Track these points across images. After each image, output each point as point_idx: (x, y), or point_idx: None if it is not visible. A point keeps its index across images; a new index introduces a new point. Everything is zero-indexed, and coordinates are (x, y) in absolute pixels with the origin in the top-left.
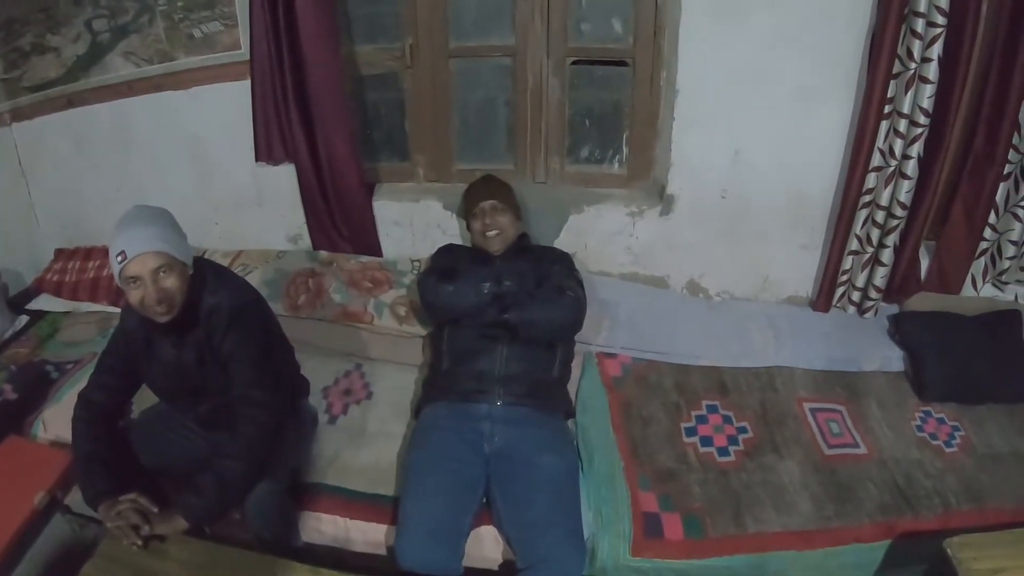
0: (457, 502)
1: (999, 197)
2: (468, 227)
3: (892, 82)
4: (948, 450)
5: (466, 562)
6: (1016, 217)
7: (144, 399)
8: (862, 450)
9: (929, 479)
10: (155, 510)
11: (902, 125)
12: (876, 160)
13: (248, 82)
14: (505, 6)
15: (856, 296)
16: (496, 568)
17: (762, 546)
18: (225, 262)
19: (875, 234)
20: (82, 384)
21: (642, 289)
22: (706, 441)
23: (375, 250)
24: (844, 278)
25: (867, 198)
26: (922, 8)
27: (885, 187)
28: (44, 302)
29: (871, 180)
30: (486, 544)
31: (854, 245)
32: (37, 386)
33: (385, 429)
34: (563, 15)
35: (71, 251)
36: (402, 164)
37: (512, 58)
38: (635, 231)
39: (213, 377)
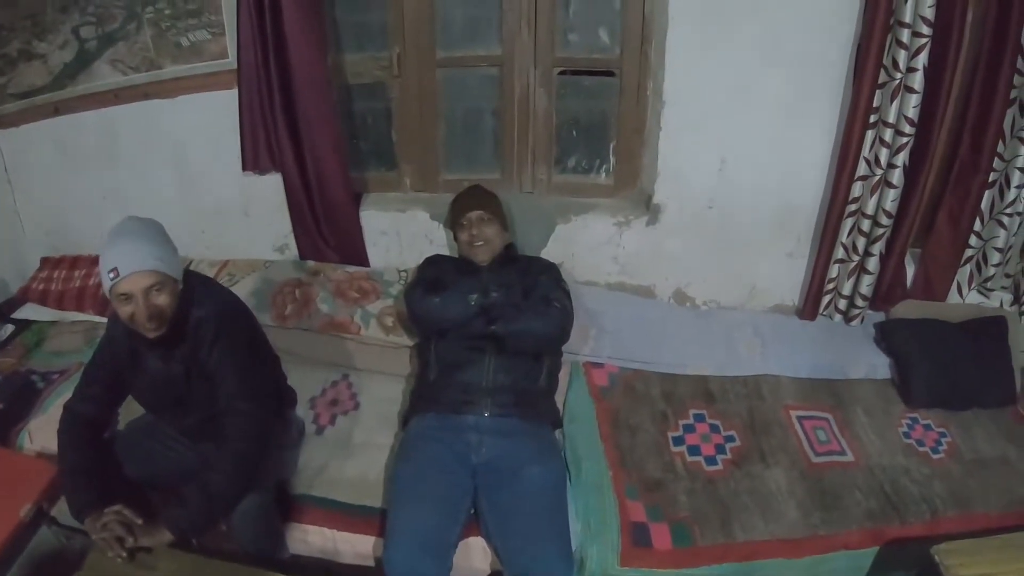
0: (445, 513)
1: (984, 205)
2: (455, 238)
3: (878, 92)
4: (935, 456)
5: (454, 573)
6: (1001, 224)
7: (129, 410)
8: (849, 457)
9: (916, 485)
10: (140, 522)
11: (887, 134)
12: (862, 169)
13: (235, 91)
14: (492, 16)
15: (842, 304)
16: None
17: (750, 554)
18: (211, 272)
19: (861, 242)
20: (68, 395)
21: (629, 299)
22: (693, 450)
23: (362, 260)
24: (830, 286)
25: (853, 207)
26: (907, 18)
27: (871, 196)
28: (30, 311)
29: (857, 189)
30: (474, 555)
31: (840, 253)
32: (23, 396)
33: (372, 440)
34: (550, 25)
35: (57, 260)
36: (389, 174)
37: (499, 68)
38: (622, 241)
39: (200, 389)
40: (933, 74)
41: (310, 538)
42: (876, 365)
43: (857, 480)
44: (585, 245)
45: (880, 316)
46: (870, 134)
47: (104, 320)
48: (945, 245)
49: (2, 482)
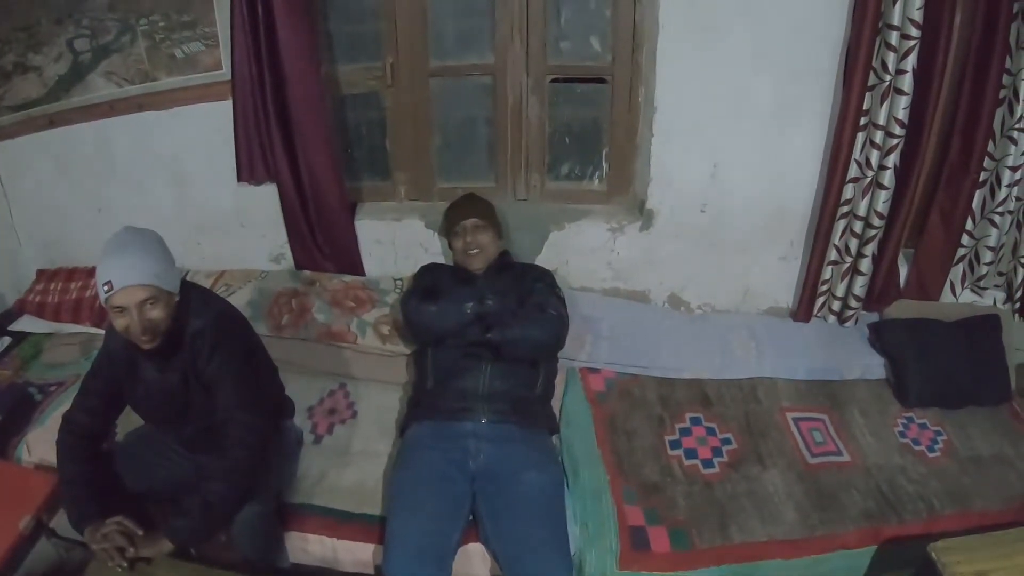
0: (444, 520)
1: (975, 204)
2: (450, 245)
3: (867, 94)
4: (931, 455)
5: None
6: (992, 223)
7: (127, 421)
8: (845, 458)
9: (913, 484)
10: (140, 532)
11: (878, 136)
12: (853, 171)
13: (230, 102)
14: (484, 25)
15: (836, 305)
16: None
17: (748, 556)
18: (207, 282)
19: (853, 244)
20: (66, 406)
21: (624, 304)
22: (690, 453)
23: (357, 269)
24: (824, 288)
25: (845, 209)
26: (896, 21)
27: (862, 198)
28: (26, 323)
29: (848, 191)
30: (474, 561)
31: (833, 255)
32: (20, 408)
33: (370, 448)
34: (542, 34)
35: (53, 272)
36: (384, 183)
37: (492, 76)
38: (616, 246)
39: (198, 400)
40: (922, 76)
41: (310, 547)
42: (871, 365)
43: (854, 480)
44: (579, 251)
45: (874, 317)
46: (861, 136)
47: (101, 332)
48: (937, 245)
49: (1, 494)
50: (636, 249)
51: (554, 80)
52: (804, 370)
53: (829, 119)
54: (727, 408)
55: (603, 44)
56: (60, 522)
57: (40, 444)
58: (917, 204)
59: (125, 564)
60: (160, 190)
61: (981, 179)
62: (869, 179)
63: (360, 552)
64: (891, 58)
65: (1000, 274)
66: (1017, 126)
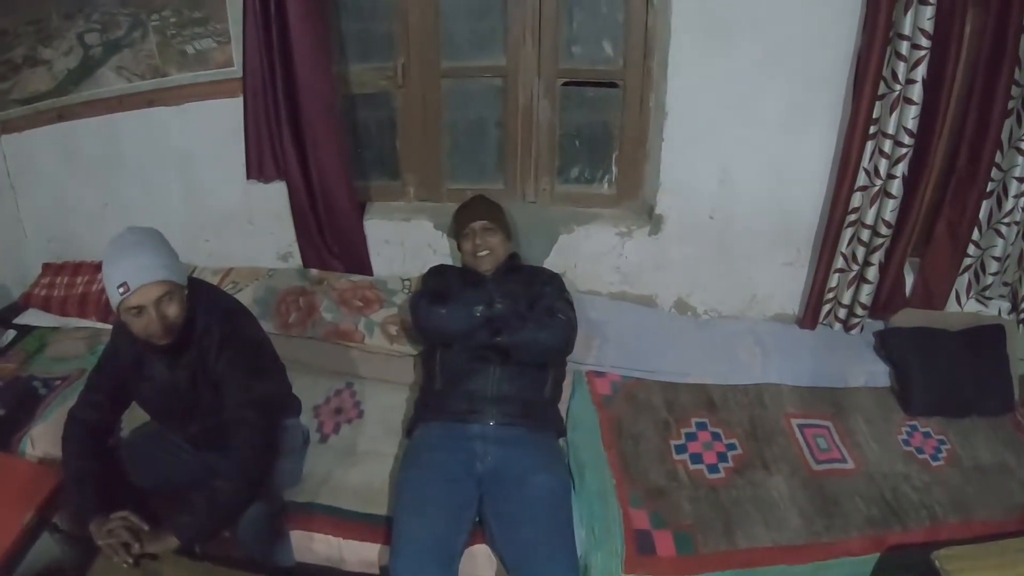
0: (451, 521)
1: (982, 214)
2: (459, 247)
3: (877, 103)
4: (934, 463)
5: None
6: (999, 234)
7: (133, 417)
8: (849, 465)
9: (916, 492)
10: (146, 528)
11: (887, 145)
12: (861, 180)
13: (240, 99)
14: (497, 27)
15: (842, 313)
16: None
17: (752, 562)
18: (215, 279)
19: (860, 252)
20: (71, 401)
21: (631, 308)
22: (696, 458)
23: (365, 268)
24: (830, 295)
25: (852, 217)
26: (906, 31)
27: (870, 206)
28: (32, 317)
29: (856, 199)
30: (480, 563)
31: (840, 263)
32: (24, 402)
33: (376, 448)
34: (554, 37)
35: (59, 266)
36: (393, 183)
37: (503, 79)
38: (624, 251)
39: (206, 396)
40: (932, 86)
41: (315, 546)
42: (876, 373)
43: (858, 487)
44: (587, 255)
45: (879, 325)
46: (870, 145)
47: (107, 326)
48: (943, 254)
49: (5, 489)
50: (644, 254)
51: (565, 83)
52: (809, 377)
53: (838, 127)
54: (732, 413)
55: (615, 48)
56: (64, 517)
57: (44, 438)
58: (924, 213)
59: (131, 560)
60: (168, 186)
61: (988, 189)
62: (877, 188)
63: (365, 552)
64: (901, 68)
65: (1005, 284)
66: None
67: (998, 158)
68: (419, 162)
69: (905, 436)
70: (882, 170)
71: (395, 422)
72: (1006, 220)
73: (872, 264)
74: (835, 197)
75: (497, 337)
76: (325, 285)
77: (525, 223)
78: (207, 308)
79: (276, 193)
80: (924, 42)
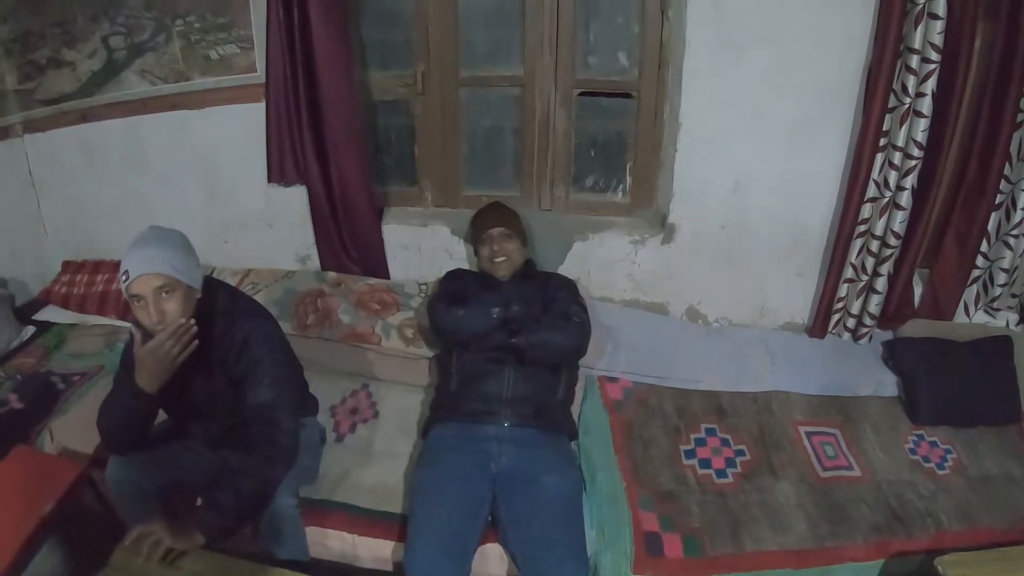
0: (465, 519)
1: (991, 226)
2: (476, 252)
3: (887, 116)
4: (940, 472)
5: None
6: (1007, 245)
7: None
8: (856, 472)
9: (922, 500)
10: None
11: (896, 158)
12: (871, 191)
13: (262, 104)
14: (515, 38)
15: (851, 323)
16: None
17: (759, 565)
18: (234, 280)
19: (870, 263)
20: (89, 397)
21: (643, 315)
22: (705, 463)
23: (383, 272)
24: (839, 305)
25: (862, 228)
26: (917, 44)
27: (880, 217)
28: (51, 313)
29: (866, 210)
30: (491, 561)
31: (849, 273)
32: (43, 396)
33: (391, 448)
34: (571, 48)
35: (79, 264)
36: (411, 188)
37: (521, 88)
38: (637, 259)
39: (225, 397)
40: (942, 99)
41: (330, 542)
42: (883, 383)
43: (864, 494)
44: (601, 262)
45: (888, 335)
46: (879, 157)
47: (126, 324)
48: (952, 265)
49: (26, 480)
50: (657, 262)
51: (581, 93)
52: (817, 385)
53: (849, 139)
54: (741, 420)
55: (630, 59)
56: (82, 509)
57: (62, 432)
58: (933, 225)
59: (161, 557)
60: (190, 187)
61: (997, 201)
62: (887, 199)
63: (379, 549)
64: (911, 81)
65: (1014, 296)
66: None
67: (1007, 170)
68: (437, 168)
69: (912, 445)
70: (891, 182)
71: (410, 423)
72: (1015, 232)
73: (881, 275)
74: (845, 208)
75: (513, 338)
76: (343, 288)
77: (540, 230)
78: (227, 309)
79: (296, 197)
80: (934, 56)
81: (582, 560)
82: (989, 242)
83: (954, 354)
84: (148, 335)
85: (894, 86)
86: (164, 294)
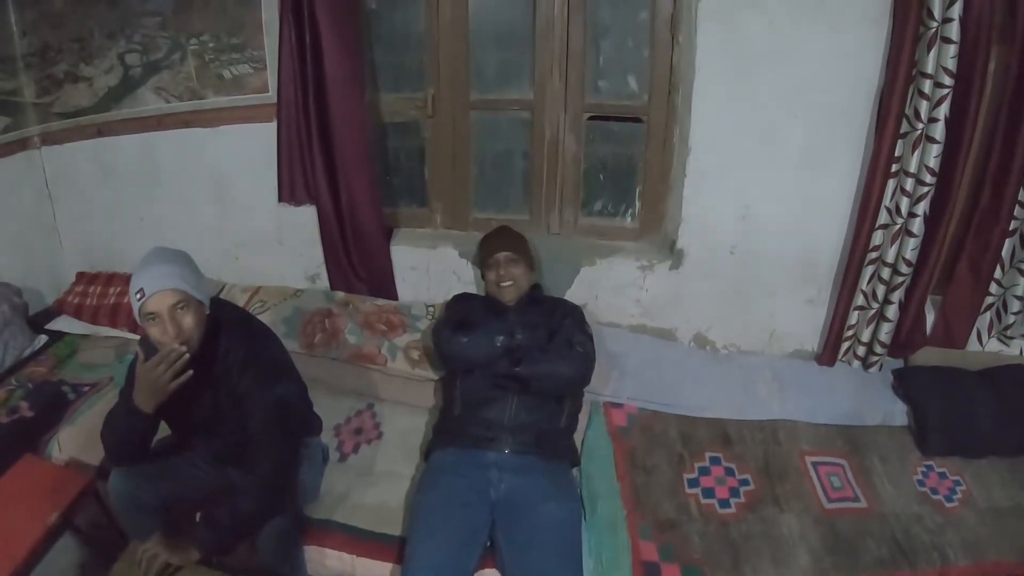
0: (463, 544)
1: (1005, 253)
2: (483, 276)
3: (899, 142)
4: (949, 504)
5: None
6: (1021, 272)
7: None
8: (862, 504)
9: (928, 534)
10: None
11: (908, 184)
12: (883, 218)
13: (274, 124)
14: (525, 62)
15: (861, 351)
16: None
17: None
18: (243, 298)
19: (880, 290)
20: (99, 407)
21: (650, 341)
22: (708, 492)
23: (391, 293)
24: (850, 333)
25: (873, 255)
26: (929, 69)
27: (891, 244)
28: (64, 323)
29: (877, 237)
30: None
31: (860, 301)
32: (53, 405)
33: (394, 470)
34: (581, 72)
35: (92, 275)
36: (421, 210)
37: (530, 112)
38: (645, 284)
39: (228, 413)
40: (954, 124)
41: (328, 561)
42: (893, 412)
43: (870, 527)
44: (609, 287)
45: (899, 363)
46: (891, 183)
47: (136, 337)
48: (965, 293)
49: (32, 489)
50: (665, 287)
51: (591, 118)
52: (826, 414)
53: (860, 165)
54: (747, 449)
55: (640, 84)
56: (87, 519)
57: (71, 442)
58: (946, 252)
59: (157, 572)
60: (202, 204)
61: (1011, 228)
62: (898, 226)
63: (377, 570)
64: (924, 106)
65: None
66: None
67: (1021, 196)
68: (446, 191)
69: (920, 476)
70: (903, 208)
71: (413, 445)
72: None
73: (892, 302)
74: (856, 235)
75: (517, 367)
76: (351, 308)
77: (548, 254)
78: (231, 327)
79: (306, 216)
80: (947, 81)
81: None
82: (1003, 269)
83: (966, 383)
84: (152, 355)
85: (906, 111)
86: (180, 309)
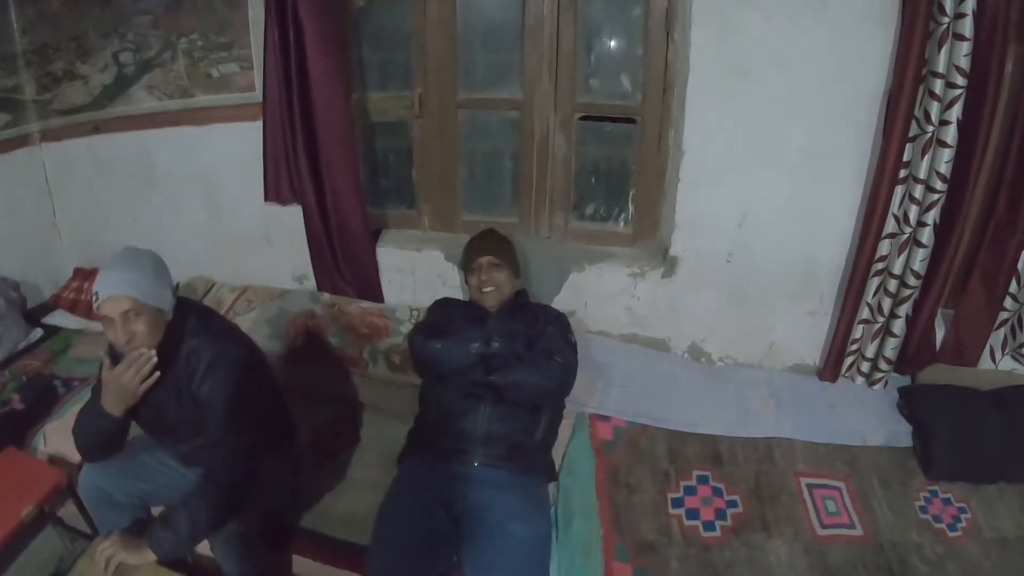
0: (423, 558)
1: (1021, 266)
2: (465, 281)
3: (908, 145)
4: (952, 533)
5: None
6: None
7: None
8: (857, 531)
9: (927, 565)
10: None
11: (918, 191)
12: (890, 227)
13: (261, 123)
14: (514, 60)
15: (865, 367)
16: None
17: None
18: (232, 297)
19: (887, 303)
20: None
21: (640, 351)
22: (692, 513)
23: (377, 296)
24: (853, 347)
25: (880, 266)
26: (941, 68)
27: (899, 255)
28: (59, 318)
29: (884, 247)
30: None
31: (865, 314)
32: (44, 399)
33: (368, 477)
34: (572, 70)
35: (89, 271)
36: (409, 211)
37: (519, 111)
38: (637, 292)
39: (191, 418)
40: (968, 127)
41: (297, 568)
42: (897, 432)
43: (863, 556)
44: (598, 294)
45: (906, 380)
46: (899, 190)
47: None
48: (978, 307)
49: (9, 483)
50: (657, 296)
51: (583, 118)
52: (825, 433)
53: (866, 170)
54: (738, 468)
55: (634, 83)
56: (67, 512)
57: (57, 436)
58: (958, 264)
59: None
60: (193, 202)
61: None
62: (907, 236)
63: None
64: (934, 108)
65: None
66: None
67: None
68: (435, 192)
69: (923, 502)
70: (912, 217)
71: (392, 451)
72: None
73: (899, 316)
74: (861, 244)
75: (491, 376)
76: (335, 310)
77: (536, 259)
78: (196, 331)
79: (293, 216)
80: (960, 80)
81: None
82: (1019, 283)
83: (975, 404)
84: (116, 358)
85: (916, 113)
86: (132, 316)
